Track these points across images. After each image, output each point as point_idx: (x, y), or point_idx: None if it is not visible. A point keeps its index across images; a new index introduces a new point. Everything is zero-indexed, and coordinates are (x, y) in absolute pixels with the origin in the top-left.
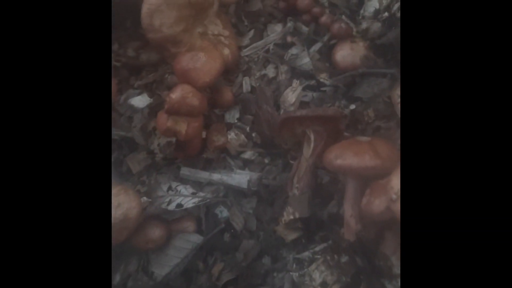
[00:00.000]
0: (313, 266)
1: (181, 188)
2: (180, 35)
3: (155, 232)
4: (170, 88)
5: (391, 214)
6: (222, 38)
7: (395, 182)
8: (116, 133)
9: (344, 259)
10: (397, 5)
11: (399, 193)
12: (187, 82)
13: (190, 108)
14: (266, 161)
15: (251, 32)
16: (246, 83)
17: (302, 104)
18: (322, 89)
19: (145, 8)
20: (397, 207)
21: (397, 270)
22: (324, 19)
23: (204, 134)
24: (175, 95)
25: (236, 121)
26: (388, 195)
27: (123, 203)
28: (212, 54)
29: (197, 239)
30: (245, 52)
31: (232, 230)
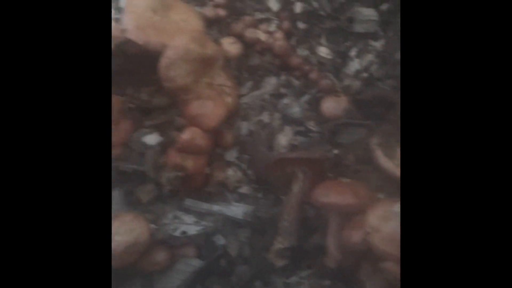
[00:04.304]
0: None
1: (185, 217)
2: (190, 85)
3: (162, 256)
4: (178, 129)
5: (367, 245)
6: (225, 88)
7: (370, 218)
8: (128, 166)
9: (327, 283)
10: (374, 67)
11: (373, 227)
12: (196, 125)
13: (198, 148)
14: (259, 195)
15: (250, 83)
16: (245, 127)
17: (292, 147)
18: (309, 134)
19: (163, 62)
20: (371, 239)
21: None
22: (313, 75)
23: (207, 170)
24: (186, 136)
25: (234, 159)
26: (364, 228)
27: (135, 229)
28: (218, 102)
29: (197, 263)
30: (244, 100)
31: (228, 257)
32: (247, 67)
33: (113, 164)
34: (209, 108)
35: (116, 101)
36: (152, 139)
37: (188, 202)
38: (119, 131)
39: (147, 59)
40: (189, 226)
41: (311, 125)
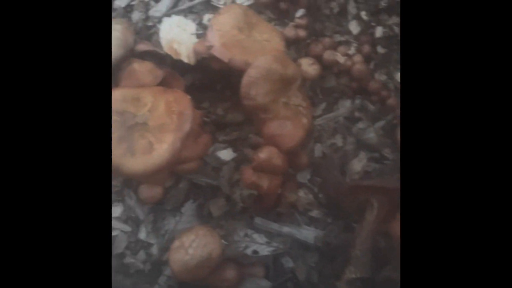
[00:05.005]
0: None
1: (256, 236)
2: (268, 104)
3: (231, 273)
4: (253, 146)
5: None
6: (301, 108)
7: None
8: (203, 180)
9: None
10: None
11: None
12: (274, 145)
13: (274, 167)
14: (329, 220)
15: (324, 105)
16: (318, 149)
17: (365, 173)
18: (384, 162)
19: (245, 80)
20: None
21: None
22: (390, 101)
23: (278, 190)
24: (263, 155)
25: (306, 181)
26: None
27: (209, 243)
28: (296, 123)
29: (266, 284)
30: (318, 121)
31: (295, 280)
32: (322, 88)
33: (188, 176)
34: (288, 128)
35: (197, 115)
36: (226, 154)
37: (258, 221)
38: (198, 144)
39: (224, 75)
40: (261, 246)
41: (386, 152)
